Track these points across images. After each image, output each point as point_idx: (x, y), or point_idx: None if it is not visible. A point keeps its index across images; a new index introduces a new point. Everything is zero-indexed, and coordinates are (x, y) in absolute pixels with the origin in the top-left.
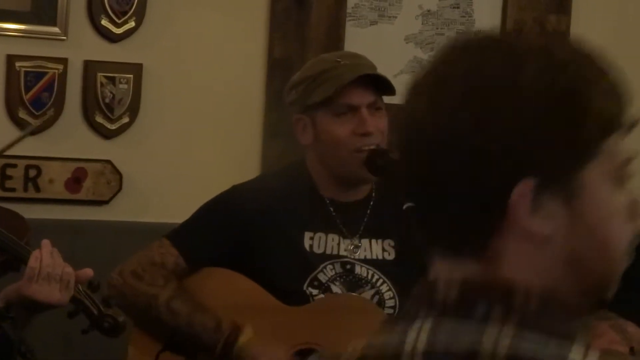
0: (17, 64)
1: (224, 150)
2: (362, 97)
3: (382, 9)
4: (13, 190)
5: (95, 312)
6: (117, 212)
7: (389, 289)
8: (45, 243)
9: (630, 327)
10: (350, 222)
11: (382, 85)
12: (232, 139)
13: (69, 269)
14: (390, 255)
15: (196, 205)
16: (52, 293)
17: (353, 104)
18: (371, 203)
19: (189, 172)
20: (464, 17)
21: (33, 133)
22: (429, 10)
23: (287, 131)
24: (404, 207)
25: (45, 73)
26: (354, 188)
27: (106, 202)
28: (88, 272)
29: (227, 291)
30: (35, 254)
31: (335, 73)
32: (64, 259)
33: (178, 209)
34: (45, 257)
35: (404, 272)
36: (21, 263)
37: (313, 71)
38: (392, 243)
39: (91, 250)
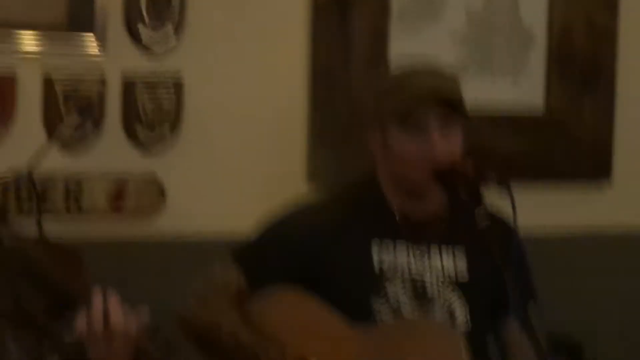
0: (55, 81)
1: (268, 160)
2: (432, 119)
3: (428, 11)
4: (52, 209)
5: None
6: (161, 227)
7: (463, 305)
8: (114, 300)
9: None
10: (420, 237)
11: (456, 105)
12: (277, 149)
13: (130, 323)
14: (463, 272)
15: (243, 216)
16: (112, 353)
17: (422, 125)
18: (442, 218)
19: (233, 183)
20: (510, 15)
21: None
22: (474, 11)
23: (332, 138)
24: (479, 224)
25: (84, 89)
26: (424, 200)
27: (149, 217)
28: (143, 318)
29: (294, 315)
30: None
31: (410, 88)
32: (111, 277)
33: (224, 221)
34: (113, 312)
35: (477, 289)
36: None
37: (390, 83)
38: (465, 259)
39: (138, 266)
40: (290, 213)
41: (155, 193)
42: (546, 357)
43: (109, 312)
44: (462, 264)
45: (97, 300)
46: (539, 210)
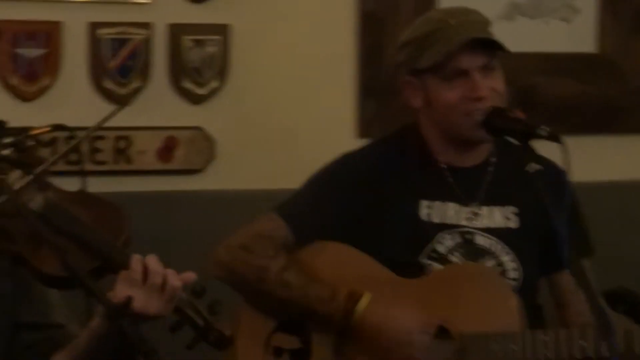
0: (100, 32)
1: (317, 111)
2: (472, 61)
3: None
4: (103, 163)
5: (202, 323)
6: (211, 181)
7: (514, 260)
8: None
9: None
10: (469, 189)
11: (494, 44)
12: (325, 99)
13: (174, 280)
14: (514, 223)
15: (291, 169)
16: (151, 303)
17: (463, 68)
18: (490, 168)
19: (282, 135)
20: None
21: (122, 104)
22: None
23: (382, 89)
24: (530, 170)
25: (129, 39)
26: (471, 151)
27: (200, 171)
28: (190, 276)
29: (340, 265)
30: (136, 257)
31: (443, 35)
32: (161, 231)
33: (273, 175)
34: (151, 263)
35: (528, 241)
36: (120, 269)
37: (421, 32)
38: (516, 210)
39: (187, 222)
40: (336, 164)
41: (204, 147)
42: (601, 311)
43: (148, 270)
44: (512, 215)
45: (135, 263)
46: (593, 159)
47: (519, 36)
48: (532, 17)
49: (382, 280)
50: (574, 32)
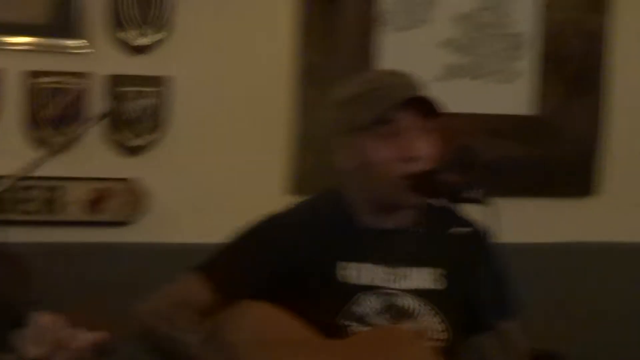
0: (37, 80)
1: (254, 166)
2: (409, 120)
3: (415, 14)
4: (31, 213)
5: None
6: (143, 233)
7: (441, 321)
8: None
9: None
10: (393, 250)
11: (428, 105)
12: (263, 154)
13: (80, 340)
14: (442, 285)
15: (225, 224)
16: None
17: (400, 126)
18: (416, 229)
19: (219, 189)
20: (500, 19)
21: (55, 152)
22: (463, 13)
23: (319, 144)
24: (454, 231)
25: (68, 89)
26: (397, 213)
27: (132, 223)
28: (101, 336)
29: (264, 325)
30: (42, 315)
31: (379, 94)
32: (87, 284)
33: (208, 229)
34: (57, 322)
35: (455, 303)
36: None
37: (355, 91)
38: (443, 272)
39: (115, 275)
40: (260, 223)
41: (139, 199)
42: None
43: (54, 328)
44: (439, 277)
45: (41, 320)
46: (524, 222)
47: (459, 97)
48: (473, 78)
49: (305, 342)
50: (514, 94)
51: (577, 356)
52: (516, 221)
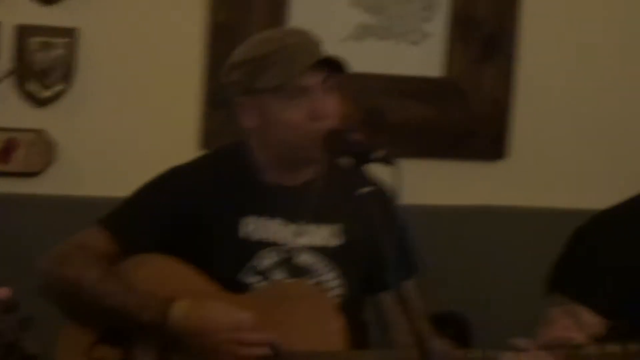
0: None
1: (162, 120)
2: (315, 80)
3: None
4: None
5: (10, 340)
6: (50, 185)
7: (337, 277)
8: None
9: (586, 314)
10: (295, 207)
11: (334, 64)
12: (172, 108)
13: None
14: (339, 241)
15: (133, 178)
16: None
17: (306, 86)
18: (318, 186)
19: (125, 142)
20: None
21: None
22: None
23: (228, 101)
24: (360, 192)
25: None
26: (301, 170)
27: (38, 174)
28: (5, 293)
29: (163, 277)
30: None
31: (284, 55)
32: None
33: (114, 182)
34: None
35: (353, 259)
36: None
37: (258, 52)
38: (342, 228)
39: (22, 227)
40: (162, 175)
41: (46, 150)
42: (421, 335)
43: None
44: (338, 233)
45: None
46: (434, 184)
47: (368, 57)
48: (382, 38)
49: (206, 294)
50: (423, 56)
51: (479, 317)
52: (425, 183)
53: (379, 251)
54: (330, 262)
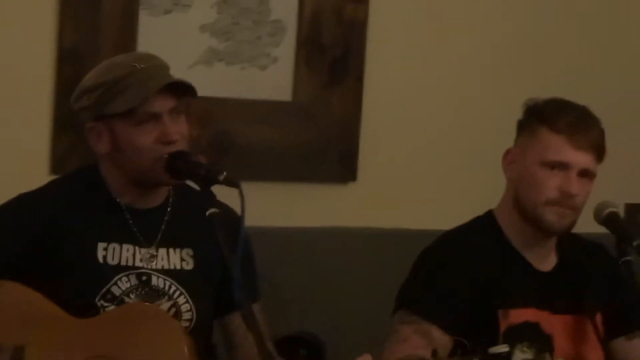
0: None
1: (10, 146)
2: (164, 105)
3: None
4: None
5: None
6: None
7: (186, 301)
8: None
9: (435, 332)
10: (147, 230)
11: (181, 88)
12: (19, 134)
13: None
14: (189, 265)
15: None
16: None
17: (155, 112)
18: (168, 210)
19: None
20: (260, 6)
21: None
22: (224, 1)
23: (77, 125)
24: (207, 213)
25: None
26: (152, 193)
27: None
28: None
29: (9, 304)
30: None
31: (133, 80)
32: None
33: None
34: None
35: (203, 282)
36: None
37: (108, 77)
38: (191, 252)
39: None
40: (10, 200)
41: None
42: (270, 355)
43: None
44: (188, 257)
45: None
46: (279, 206)
47: (216, 82)
48: (230, 63)
49: (51, 320)
50: (271, 81)
51: (333, 338)
52: (276, 206)
53: (227, 272)
54: (180, 285)
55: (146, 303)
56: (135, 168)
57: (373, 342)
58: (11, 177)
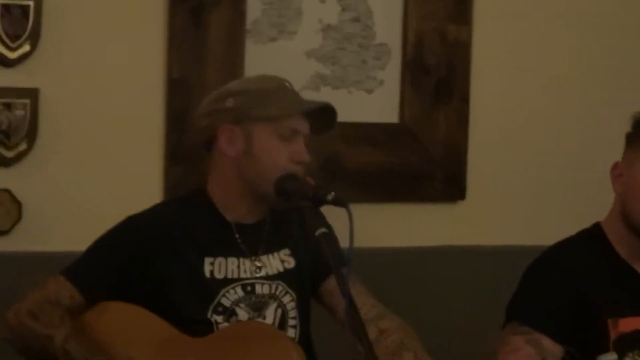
0: None
1: (125, 175)
2: (305, 126)
3: (282, 25)
4: None
5: None
6: (17, 242)
7: (292, 299)
8: None
9: (545, 341)
10: (250, 242)
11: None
12: (133, 163)
13: None
14: (291, 264)
15: (98, 232)
16: None
17: (297, 129)
18: (269, 221)
19: (90, 198)
20: (364, 30)
21: None
22: (329, 25)
23: (188, 154)
24: (317, 233)
25: None
26: (256, 208)
27: (6, 232)
28: None
29: (123, 325)
30: None
31: (284, 95)
32: None
33: (80, 237)
34: None
35: (305, 275)
36: None
37: (259, 85)
38: (288, 252)
39: None
40: (120, 223)
41: (11, 209)
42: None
43: None
44: (286, 255)
45: None
46: (389, 227)
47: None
48: (337, 87)
49: (166, 340)
50: (377, 103)
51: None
52: (386, 226)
53: (315, 252)
54: (287, 284)
55: (257, 320)
56: (256, 175)
57: (484, 358)
58: (126, 206)
